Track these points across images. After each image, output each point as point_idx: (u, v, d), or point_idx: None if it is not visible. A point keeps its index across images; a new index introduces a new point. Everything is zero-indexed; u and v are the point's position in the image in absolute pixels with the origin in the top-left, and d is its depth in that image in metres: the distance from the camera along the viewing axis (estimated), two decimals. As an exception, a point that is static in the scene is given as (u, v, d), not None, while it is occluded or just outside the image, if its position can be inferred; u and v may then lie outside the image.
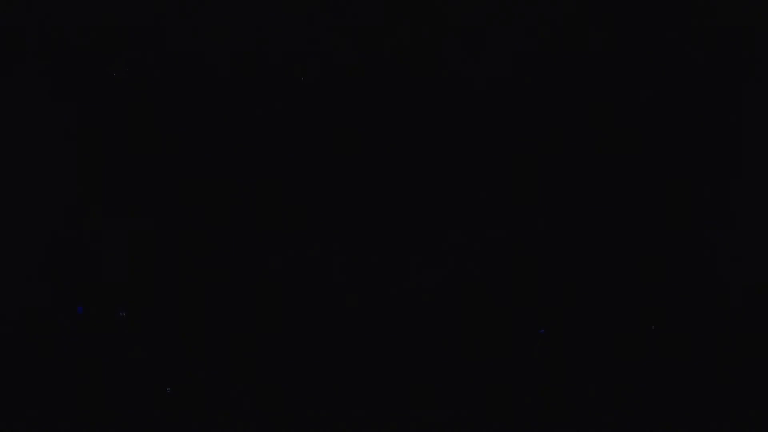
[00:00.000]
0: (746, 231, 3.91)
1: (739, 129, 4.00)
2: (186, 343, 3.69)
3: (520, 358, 3.60)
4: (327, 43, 4.34)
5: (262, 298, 3.78)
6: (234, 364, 3.58)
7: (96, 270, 3.89)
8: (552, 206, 4.29)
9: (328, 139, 4.30)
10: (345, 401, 3.51)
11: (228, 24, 4.37)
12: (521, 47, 4.16)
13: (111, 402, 3.51)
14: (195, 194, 4.39)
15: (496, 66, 4.15)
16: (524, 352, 3.60)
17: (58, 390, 3.51)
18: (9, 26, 4.12)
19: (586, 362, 3.57)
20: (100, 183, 4.15)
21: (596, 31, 4.12)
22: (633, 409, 3.51)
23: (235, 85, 4.46)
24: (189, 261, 4.11)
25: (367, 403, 3.51)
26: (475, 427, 3.46)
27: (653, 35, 4.17)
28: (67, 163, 4.30)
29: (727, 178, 4.09)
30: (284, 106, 4.57)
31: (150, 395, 3.51)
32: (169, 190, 4.20)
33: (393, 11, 4.31)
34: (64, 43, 4.19)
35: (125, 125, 4.32)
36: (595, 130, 4.31)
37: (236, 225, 4.17)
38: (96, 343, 3.67)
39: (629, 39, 4.13)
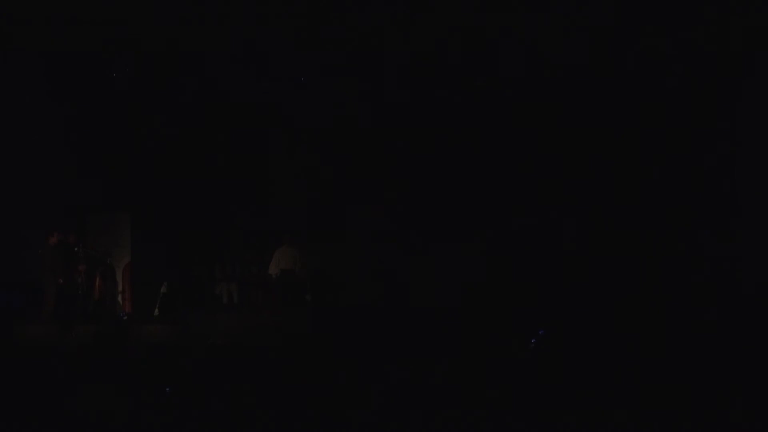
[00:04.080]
0: (746, 231, 3.91)
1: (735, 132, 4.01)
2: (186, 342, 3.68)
3: (519, 357, 3.60)
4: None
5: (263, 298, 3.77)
6: (235, 365, 3.58)
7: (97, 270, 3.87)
8: (551, 208, 4.28)
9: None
10: (345, 403, 3.51)
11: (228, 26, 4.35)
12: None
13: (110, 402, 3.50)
14: (195, 194, 4.35)
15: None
16: (524, 352, 3.60)
17: (58, 390, 3.50)
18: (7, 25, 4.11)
19: (586, 362, 3.57)
20: (100, 182, 4.12)
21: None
22: (632, 409, 3.52)
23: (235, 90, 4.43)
24: (188, 260, 4.08)
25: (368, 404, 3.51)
26: (476, 427, 3.46)
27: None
28: (66, 162, 4.27)
29: (726, 180, 4.09)
30: (284, 107, 4.53)
31: (150, 395, 3.50)
32: (169, 189, 4.17)
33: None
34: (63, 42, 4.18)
35: (125, 125, 4.30)
36: (596, 133, 4.31)
37: (235, 223, 4.14)
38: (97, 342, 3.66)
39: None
